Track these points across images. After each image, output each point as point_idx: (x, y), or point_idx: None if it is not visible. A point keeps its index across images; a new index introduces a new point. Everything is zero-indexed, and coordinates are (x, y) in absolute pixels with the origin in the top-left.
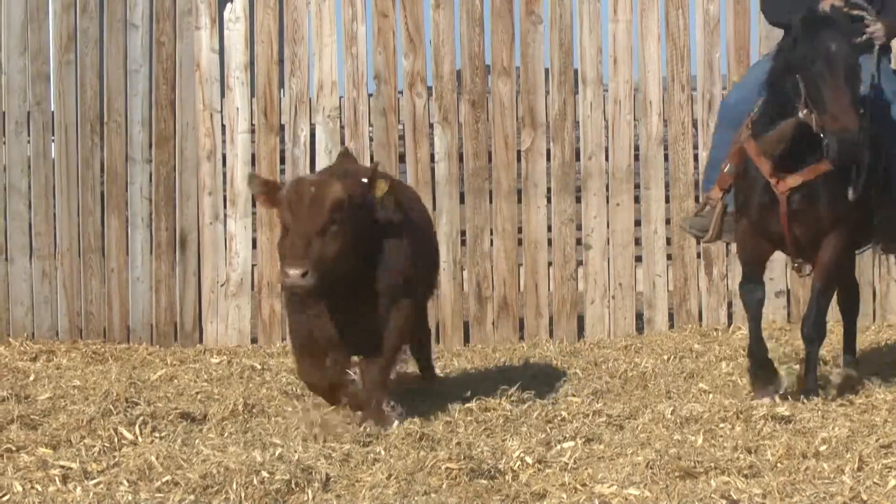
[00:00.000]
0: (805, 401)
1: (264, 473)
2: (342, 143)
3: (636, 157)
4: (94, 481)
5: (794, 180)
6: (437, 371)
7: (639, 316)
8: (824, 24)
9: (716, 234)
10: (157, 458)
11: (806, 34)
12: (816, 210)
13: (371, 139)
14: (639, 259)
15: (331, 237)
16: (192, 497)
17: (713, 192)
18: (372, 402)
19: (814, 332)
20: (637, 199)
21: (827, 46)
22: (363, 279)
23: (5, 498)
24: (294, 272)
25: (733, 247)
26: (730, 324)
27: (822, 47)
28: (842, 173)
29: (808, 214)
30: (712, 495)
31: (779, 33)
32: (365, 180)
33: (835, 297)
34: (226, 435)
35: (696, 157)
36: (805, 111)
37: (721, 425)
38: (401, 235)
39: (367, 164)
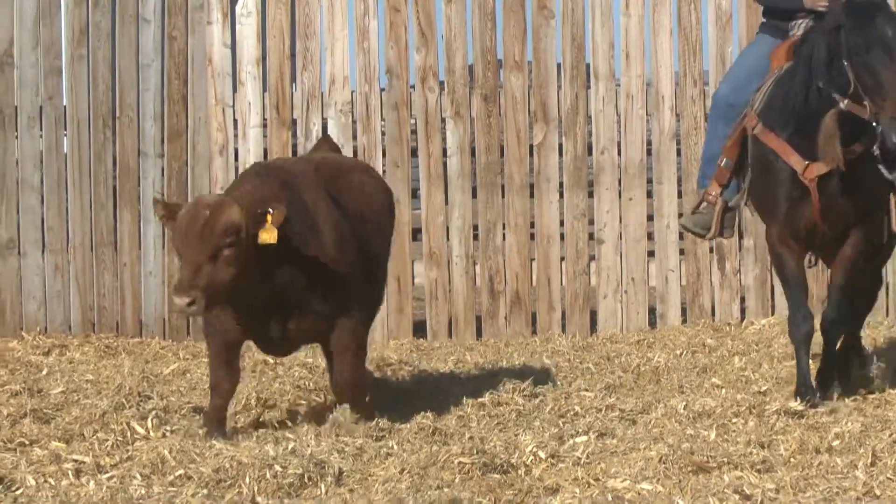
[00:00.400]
0: (822, 397)
1: (277, 467)
2: (354, 137)
3: (649, 152)
4: (108, 475)
5: (821, 167)
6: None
7: (651, 311)
8: (875, 10)
9: (717, 231)
10: (170, 452)
11: (856, 21)
12: (849, 199)
13: (383, 133)
14: (651, 254)
15: (223, 262)
16: (205, 491)
17: (711, 188)
18: (354, 402)
19: (835, 328)
20: (650, 194)
21: (884, 32)
22: (294, 285)
23: (19, 491)
24: (179, 301)
25: (746, 241)
26: (742, 318)
27: (878, 33)
28: (868, 160)
29: (841, 203)
30: (725, 490)
31: None
32: (260, 211)
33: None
34: (238, 429)
35: None
36: (846, 101)
37: (734, 420)
38: (327, 232)
39: (381, 157)
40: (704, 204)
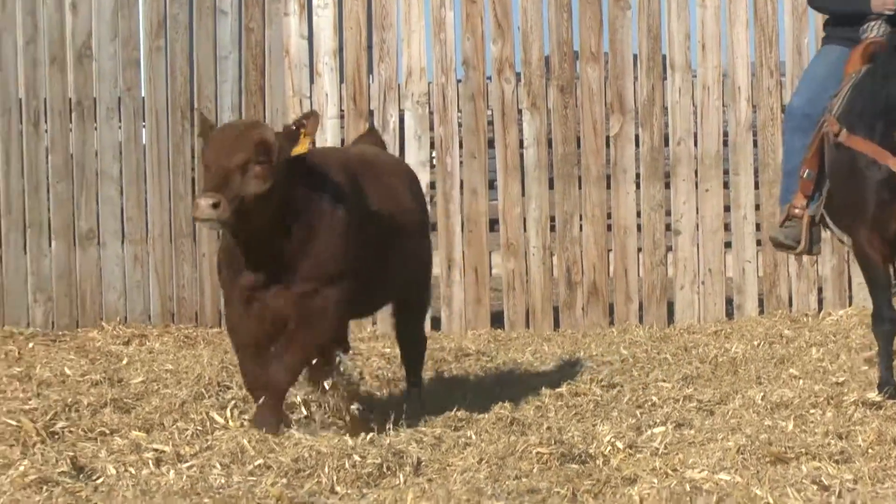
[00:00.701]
0: None
1: (356, 457)
2: (431, 128)
3: (725, 143)
4: (188, 464)
5: None
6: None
7: (728, 301)
8: None
9: (807, 246)
10: (249, 442)
11: None
12: None
13: (460, 125)
14: (728, 245)
15: (253, 177)
16: (284, 480)
17: (796, 201)
18: (266, 403)
19: None
20: (726, 185)
21: None
22: (290, 262)
23: (99, 480)
24: (204, 201)
25: (823, 232)
26: (820, 309)
27: None
28: None
29: None
30: (803, 481)
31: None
32: (294, 126)
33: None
34: (317, 418)
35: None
36: None
37: (812, 411)
38: (342, 221)
39: (458, 148)
40: (789, 220)
